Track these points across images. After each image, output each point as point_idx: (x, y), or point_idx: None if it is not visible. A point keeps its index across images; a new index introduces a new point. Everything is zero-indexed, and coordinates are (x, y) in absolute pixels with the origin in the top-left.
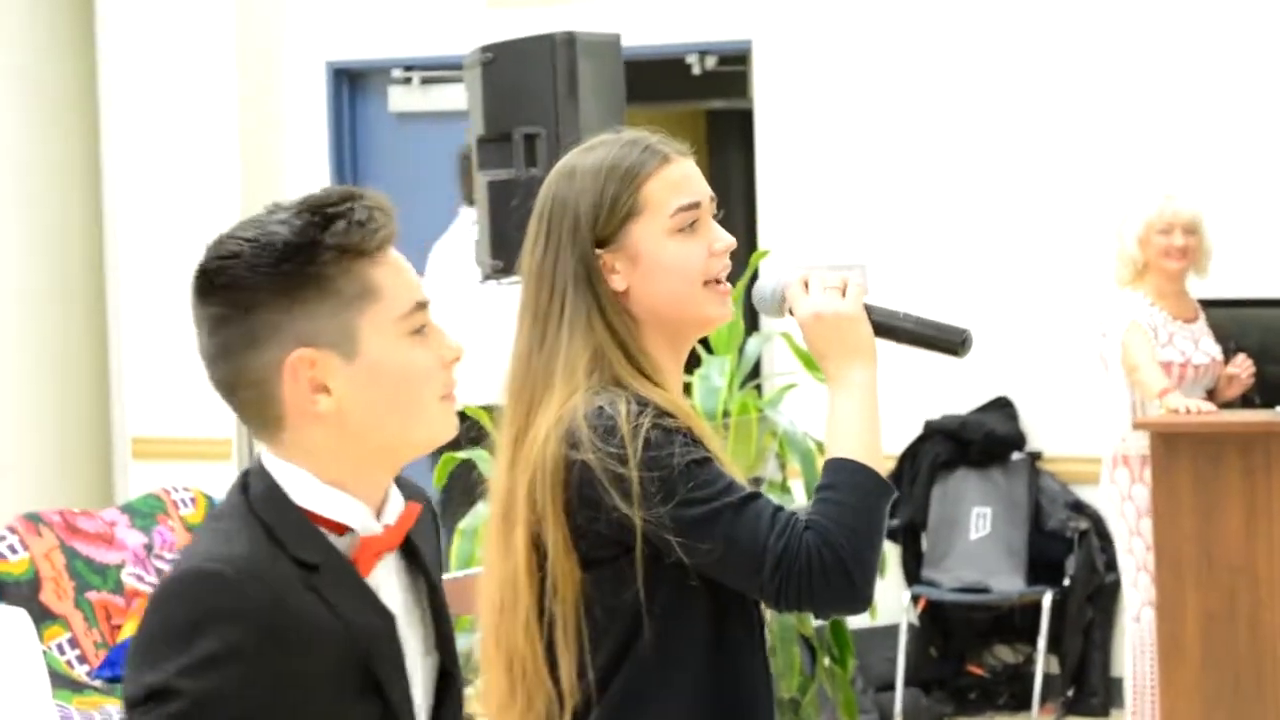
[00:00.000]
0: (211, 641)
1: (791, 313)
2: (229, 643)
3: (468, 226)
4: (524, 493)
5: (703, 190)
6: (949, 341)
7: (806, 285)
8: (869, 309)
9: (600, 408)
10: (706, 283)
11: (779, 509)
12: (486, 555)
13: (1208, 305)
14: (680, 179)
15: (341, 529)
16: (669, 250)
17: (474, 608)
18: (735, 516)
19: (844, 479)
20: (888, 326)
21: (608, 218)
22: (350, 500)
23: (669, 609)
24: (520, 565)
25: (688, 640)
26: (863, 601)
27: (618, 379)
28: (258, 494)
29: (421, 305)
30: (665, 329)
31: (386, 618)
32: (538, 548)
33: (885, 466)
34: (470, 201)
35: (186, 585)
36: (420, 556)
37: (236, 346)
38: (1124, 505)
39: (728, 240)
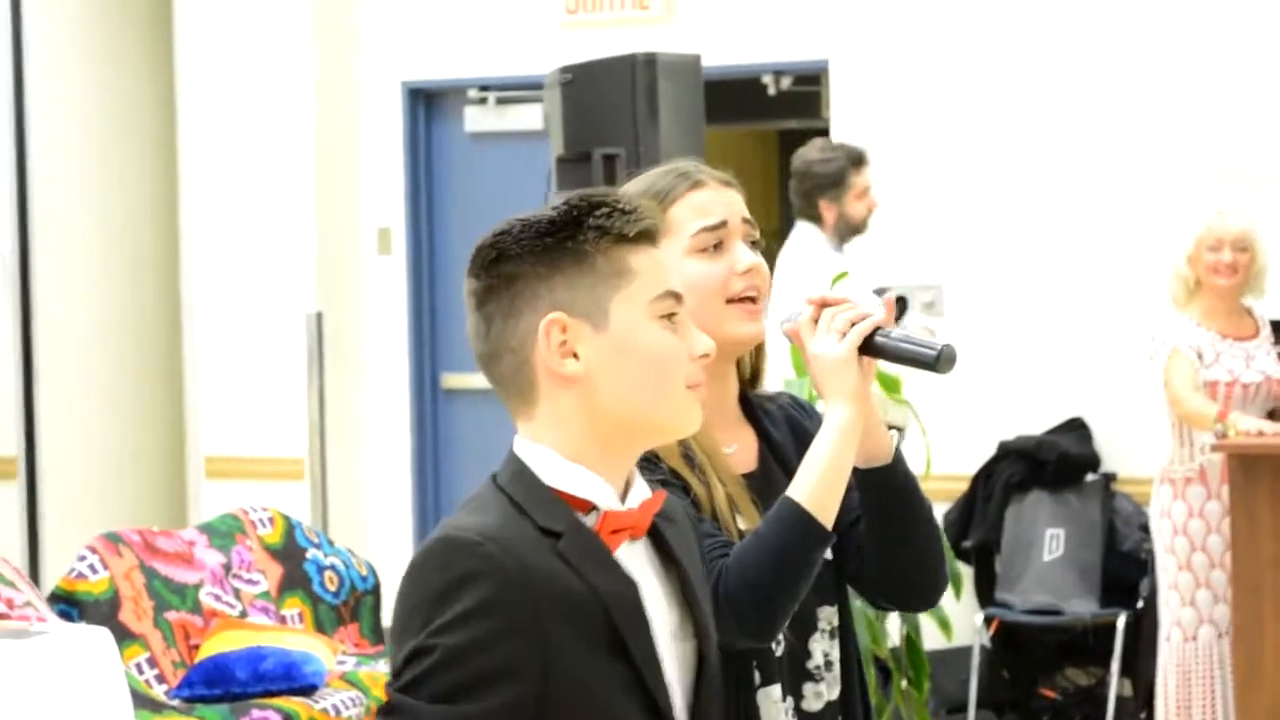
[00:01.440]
0: (464, 601)
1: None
2: (479, 600)
3: (807, 239)
4: None
5: (732, 213)
6: (927, 358)
7: (816, 321)
8: (871, 337)
9: None
10: (729, 301)
11: (723, 544)
12: None
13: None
14: (706, 202)
15: (586, 506)
16: (687, 269)
17: None
18: None
19: (777, 517)
20: (877, 350)
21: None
22: (594, 477)
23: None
24: None
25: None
26: (763, 634)
27: None
28: (506, 474)
29: (674, 295)
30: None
31: (629, 584)
32: None
33: (832, 510)
34: (808, 217)
35: (437, 553)
36: (669, 546)
37: (499, 315)
38: (1160, 522)
39: (751, 260)
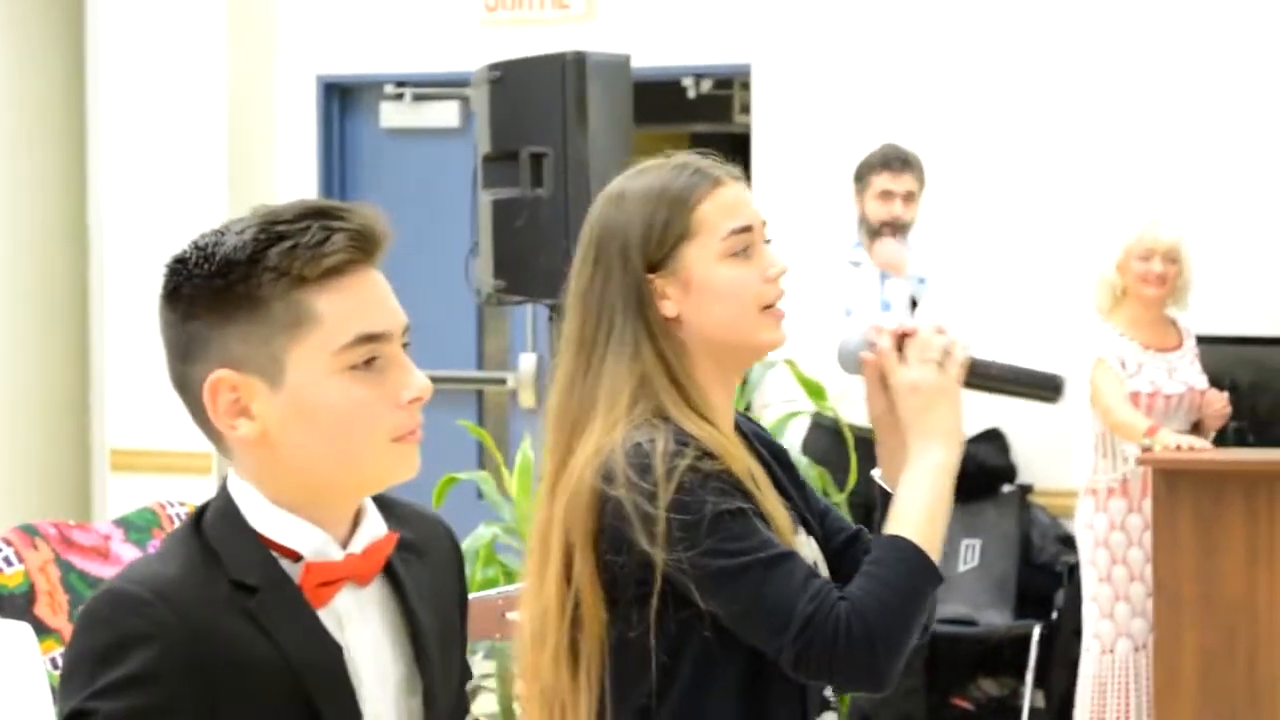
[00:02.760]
0: (126, 666)
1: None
2: (145, 665)
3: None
4: (560, 522)
5: (754, 214)
6: (1043, 391)
7: (900, 348)
8: (973, 366)
9: (638, 444)
10: (762, 309)
11: (812, 574)
12: (524, 586)
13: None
14: (733, 202)
15: (295, 555)
16: (722, 274)
17: (490, 631)
18: (764, 573)
19: (893, 557)
20: (986, 383)
21: (659, 241)
22: (303, 525)
23: (697, 659)
24: (552, 598)
25: (717, 694)
26: (885, 683)
27: (662, 410)
28: (212, 512)
29: (370, 338)
30: (716, 356)
31: (331, 649)
32: (570, 580)
33: (938, 553)
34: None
35: (105, 608)
36: (404, 591)
37: (174, 355)
38: (1083, 534)
39: (781, 266)
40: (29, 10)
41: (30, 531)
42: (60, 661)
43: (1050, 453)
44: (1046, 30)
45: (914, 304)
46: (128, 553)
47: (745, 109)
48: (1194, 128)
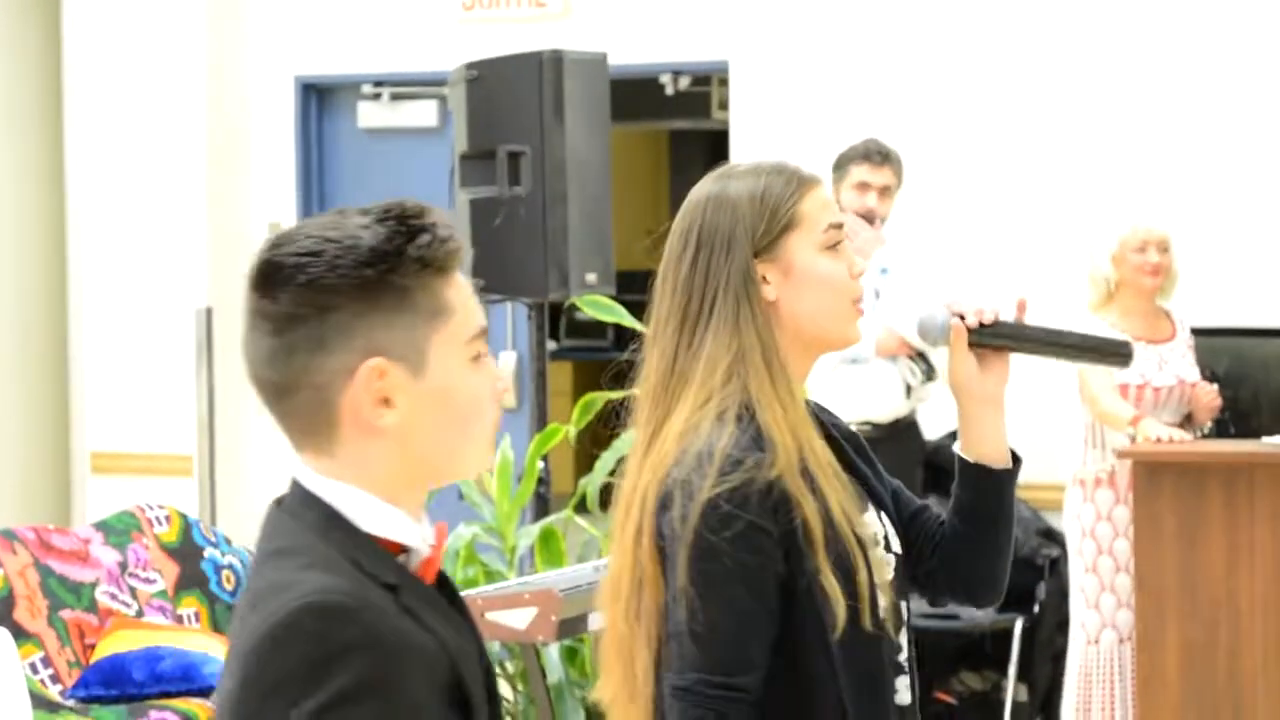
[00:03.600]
0: (346, 676)
1: (970, 333)
2: (362, 676)
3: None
4: (641, 492)
5: (841, 215)
6: (1115, 354)
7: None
8: (1025, 330)
9: (708, 436)
10: (854, 302)
11: (733, 694)
12: (612, 545)
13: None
14: (828, 201)
15: (398, 549)
16: (822, 264)
17: None
18: (700, 651)
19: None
20: (1048, 344)
21: (767, 228)
22: (407, 519)
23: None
24: (628, 558)
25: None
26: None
27: (747, 395)
28: (317, 522)
29: (483, 332)
30: (804, 344)
31: (474, 636)
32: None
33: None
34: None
35: (309, 621)
36: (454, 586)
37: (303, 348)
38: (1070, 524)
39: (863, 265)
40: (4, 9)
41: (9, 536)
42: (40, 666)
43: (1033, 446)
44: (1026, 25)
45: (875, 294)
46: (107, 556)
47: (724, 105)
48: (1171, 123)
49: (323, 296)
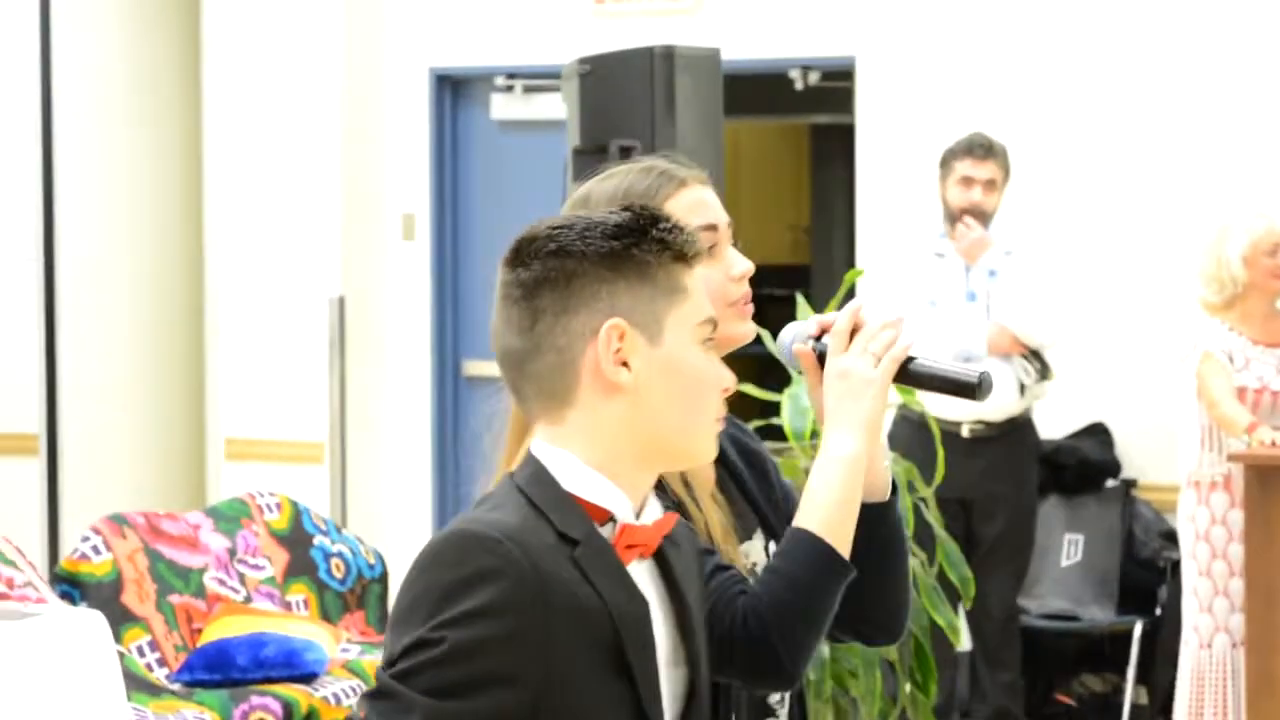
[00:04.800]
0: (476, 598)
1: (819, 357)
2: (493, 599)
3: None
4: None
5: (719, 214)
6: (967, 386)
7: (851, 336)
8: (905, 364)
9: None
10: (727, 305)
11: (720, 569)
12: None
13: None
14: (695, 202)
15: (603, 517)
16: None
17: None
18: None
19: (796, 551)
20: (914, 377)
21: None
22: (615, 489)
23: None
24: None
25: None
26: (787, 679)
27: None
28: (524, 475)
29: (714, 321)
30: None
31: (642, 603)
32: None
33: (846, 546)
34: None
35: (453, 545)
36: (673, 572)
37: (550, 310)
38: (1184, 527)
39: (746, 266)
40: (145, 6)
41: (119, 521)
42: (147, 649)
43: (1155, 447)
44: (1148, 19)
45: (972, 296)
46: (216, 543)
47: None
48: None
49: (571, 262)
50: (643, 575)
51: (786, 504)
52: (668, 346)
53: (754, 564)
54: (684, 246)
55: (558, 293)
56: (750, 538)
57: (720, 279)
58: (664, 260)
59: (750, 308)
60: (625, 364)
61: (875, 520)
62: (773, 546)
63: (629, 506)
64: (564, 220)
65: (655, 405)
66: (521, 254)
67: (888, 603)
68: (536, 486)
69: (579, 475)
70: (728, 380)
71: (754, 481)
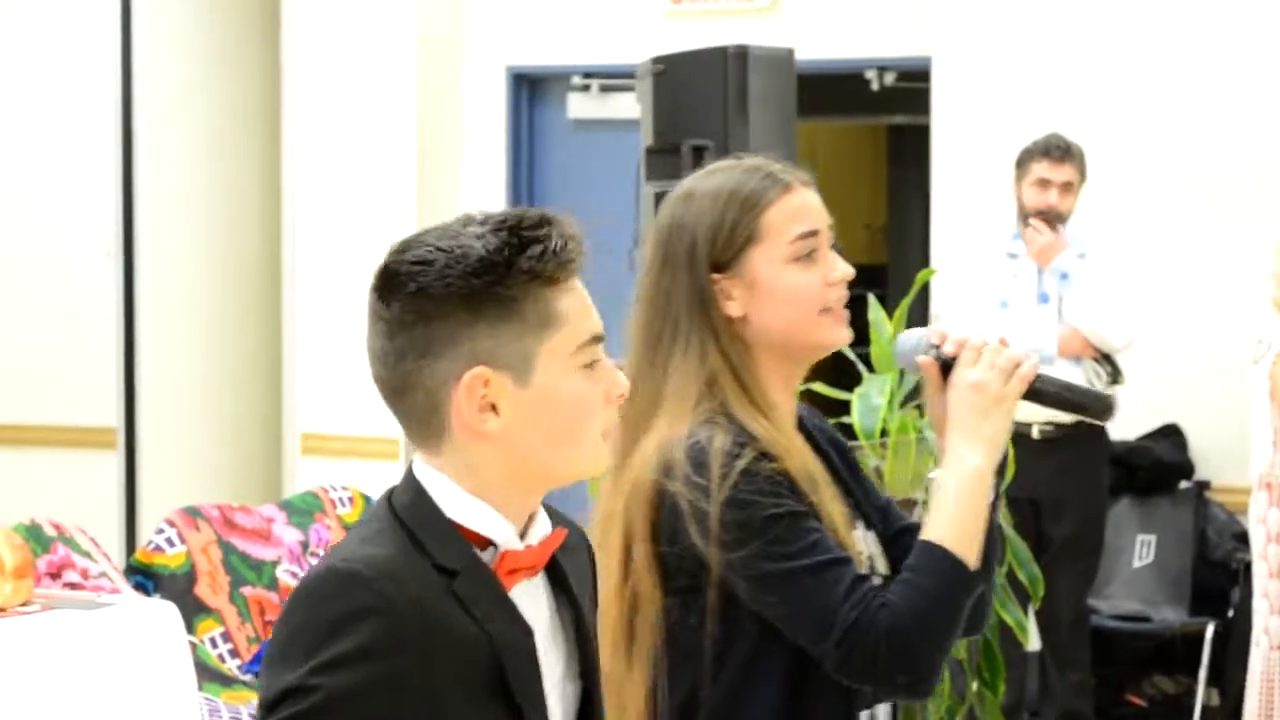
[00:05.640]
0: (349, 640)
1: (941, 366)
2: (366, 641)
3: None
4: (620, 514)
5: (821, 219)
6: (1092, 407)
7: (979, 352)
8: (1034, 383)
9: (697, 441)
10: (822, 311)
11: (860, 579)
12: None
13: None
14: (800, 207)
15: (484, 543)
16: (786, 278)
17: None
18: (811, 578)
19: (930, 565)
20: (1039, 394)
21: (726, 242)
22: (496, 515)
23: (746, 651)
24: (611, 586)
25: (764, 685)
26: (924, 688)
27: (726, 409)
28: (403, 500)
29: (598, 339)
30: (778, 356)
31: (526, 631)
32: (626, 572)
33: (976, 558)
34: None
35: (323, 585)
36: (567, 582)
37: (412, 352)
38: (1256, 529)
39: (845, 271)
40: (227, 10)
41: (193, 513)
42: (220, 641)
43: (1229, 449)
44: (1230, 21)
45: (1047, 298)
46: (289, 535)
47: None
48: None
49: (430, 305)
50: (533, 591)
51: (873, 493)
52: (538, 383)
53: (868, 555)
54: (557, 271)
55: (418, 336)
56: (854, 528)
57: (817, 284)
58: (532, 291)
59: (846, 313)
60: (494, 406)
61: None
62: (870, 535)
63: (511, 531)
64: (426, 254)
65: (529, 443)
66: (386, 287)
67: (977, 601)
68: (415, 514)
69: (458, 502)
70: (619, 387)
71: (845, 470)
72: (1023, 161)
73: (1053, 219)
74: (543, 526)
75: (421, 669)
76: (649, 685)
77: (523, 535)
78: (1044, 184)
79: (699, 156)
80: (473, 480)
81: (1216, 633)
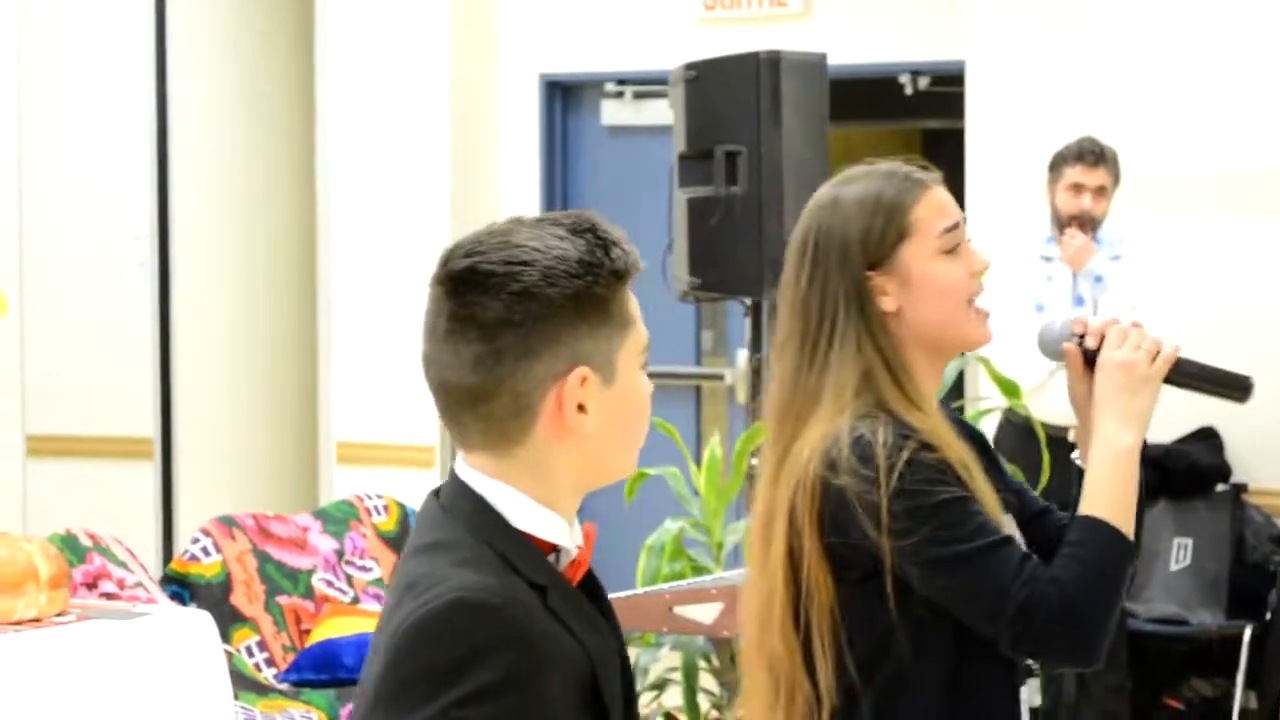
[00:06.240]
0: (490, 671)
1: (1085, 353)
2: (507, 671)
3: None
4: (784, 508)
5: (959, 213)
6: (1233, 392)
7: (1126, 334)
8: (1177, 364)
9: (860, 435)
10: (969, 303)
11: (1027, 556)
12: (748, 568)
13: None
14: (942, 203)
15: (549, 549)
16: (938, 270)
17: (658, 625)
18: (983, 560)
19: (1092, 538)
20: (1182, 380)
21: (880, 241)
22: (560, 520)
23: (917, 635)
24: (778, 577)
25: (932, 667)
26: (1095, 658)
27: (883, 403)
28: (471, 517)
29: (647, 343)
30: (929, 350)
31: (610, 637)
32: (793, 561)
33: (1131, 531)
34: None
35: (456, 618)
36: (597, 581)
37: (510, 354)
38: None
39: (985, 261)
40: (261, 15)
41: (228, 523)
42: (256, 649)
43: (1267, 452)
44: (1260, 27)
45: (1081, 300)
46: (325, 544)
47: None
48: None
49: (536, 305)
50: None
51: (1009, 480)
52: (620, 383)
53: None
54: (632, 269)
55: (520, 336)
56: (1005, 513)
57: (964, 274)
58: (617, 291)
59: (988, 312)
60: (582, 406)
61: None
62: (1008, 518)
63: (569, 532)
64: (523, 255)
65: (605, 443)
66: (477, 288)
67: None
68: (487, 529)
69: (525, 511)
70: (649, 392)
71: (986, 461)
72: (1056, 166)
73: (1086, 223)
74: (578, 528)
75: (545, 693)
76: (834, 668)
77: None
78: (1078, 189)
79: (731, 162)
80: (542, 484)
81: (1254, 635)
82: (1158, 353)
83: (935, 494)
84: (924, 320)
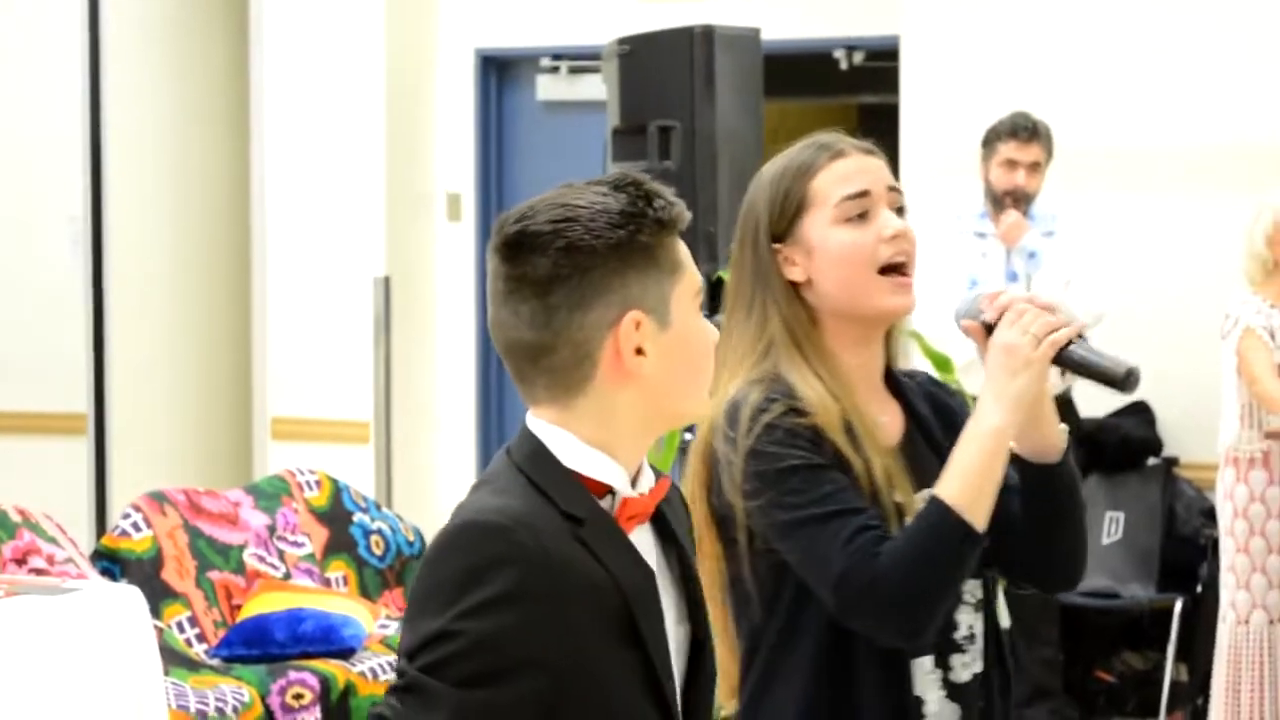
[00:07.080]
0: (491, 587)
1: (987, 330)
2: (507, 587)
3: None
4: (690, 474)
5: (875, 181)
6: (1116, 377)
7: (1019, 316)
8: (1064, 349)
9: (734, 398)
10: (882, 271)
11: (864, 529)
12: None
13: None
14: (849, 171)
15: (603, 490)
16: (835, 238)
17: None
18: (816, 528)
19: (926, 517)
20: (1065, 360)
21: (780, 213)
22: (613, 463)
23: (789, 599)
24: (704, 541)
25: (805, 633)
26: (913, 637)
27: (777, 370)
28: (523, 454)
29: (701, 289)
30: (847, 320)
31: (648, 572)
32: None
33: (982, 514)
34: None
35: (463, 537)
36: (672, 528)
37: (564, 306)
38: (1223, 504)
39: (897, 225)
40: None
41: (159, 498)
42: (187, 625)
43: (1197, 426)
44: (1195, 2)
45: (1015, 276)
46: (256, 519)
47: None
48: None
49: (583, 257)
50: (644, 539)
51: None
52: (675, 325)
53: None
54: (677, 219)
55: (571, 288)
56: (933, 486)
57: (869, 241)
58: (663, 239)
59: (908, 280)
60: (640, 350)
61: (1047, 480)
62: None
63: (626, 478)
64: (565, 213)
65: (666, 385)
66: (527, 249)
67: (1064, 553)
68: (536, 466)
69: (579, 453)
70: (715, 333)
71: (941, 432)
72: (989, 141)
73: (1020, 199)
74: (648, 476)
75: (559, 613)
76: (727, 631)
77: (633, 484)
78: (1011, 164)
79: (665, 137)
80: (606, 429)
81: (1185, 608)
82: (1048, 335)
83: (784, 458)
84: (830, 289)
